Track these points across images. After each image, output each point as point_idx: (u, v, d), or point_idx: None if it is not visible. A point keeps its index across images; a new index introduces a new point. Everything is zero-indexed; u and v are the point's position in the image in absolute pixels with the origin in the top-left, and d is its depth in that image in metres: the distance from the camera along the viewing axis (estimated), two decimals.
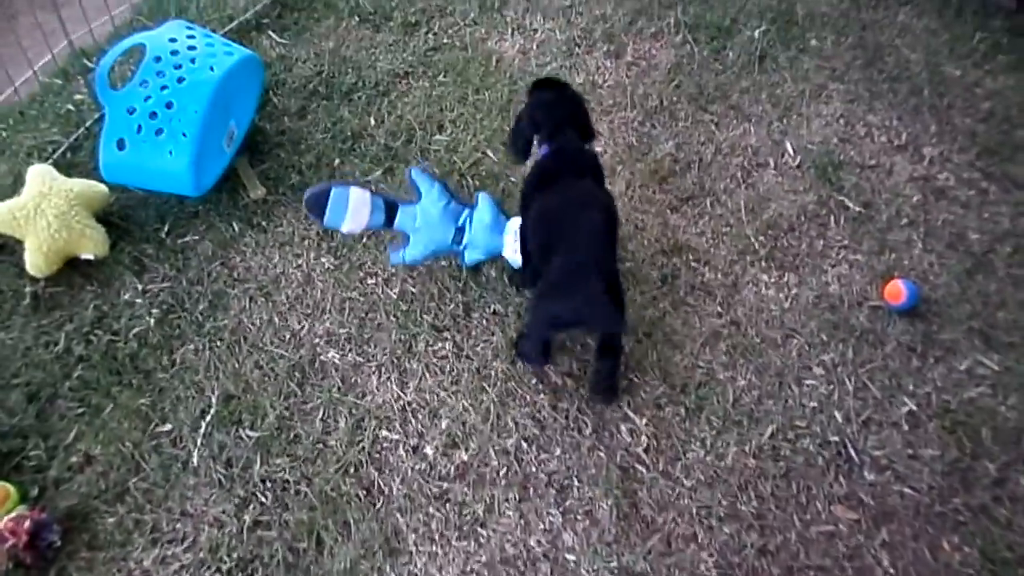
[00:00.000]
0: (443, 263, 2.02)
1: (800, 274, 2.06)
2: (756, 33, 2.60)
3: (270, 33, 2.49)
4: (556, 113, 1.85)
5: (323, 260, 2.02)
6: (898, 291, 1.97)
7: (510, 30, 2.56)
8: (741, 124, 2.37)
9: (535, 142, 1.88)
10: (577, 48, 2.53)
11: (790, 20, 2.66)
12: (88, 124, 2.22)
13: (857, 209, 2.19)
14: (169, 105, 1.92)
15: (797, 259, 2.09)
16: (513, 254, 1.94)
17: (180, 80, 1.94)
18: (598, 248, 1.69)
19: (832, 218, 2.17)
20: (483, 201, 1.96)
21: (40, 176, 1.98)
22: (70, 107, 2.28)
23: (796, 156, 2.30)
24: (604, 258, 1.70)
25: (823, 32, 2.64)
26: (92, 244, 1.95)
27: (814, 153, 2.31)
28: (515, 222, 1.95)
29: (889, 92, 2.49)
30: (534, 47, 2.52)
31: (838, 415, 1.83)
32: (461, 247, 1.95)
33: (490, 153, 2.24)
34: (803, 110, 2.42)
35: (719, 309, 1.98)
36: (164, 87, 1.93)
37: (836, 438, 1.80)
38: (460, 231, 1.94)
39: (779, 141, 2.33)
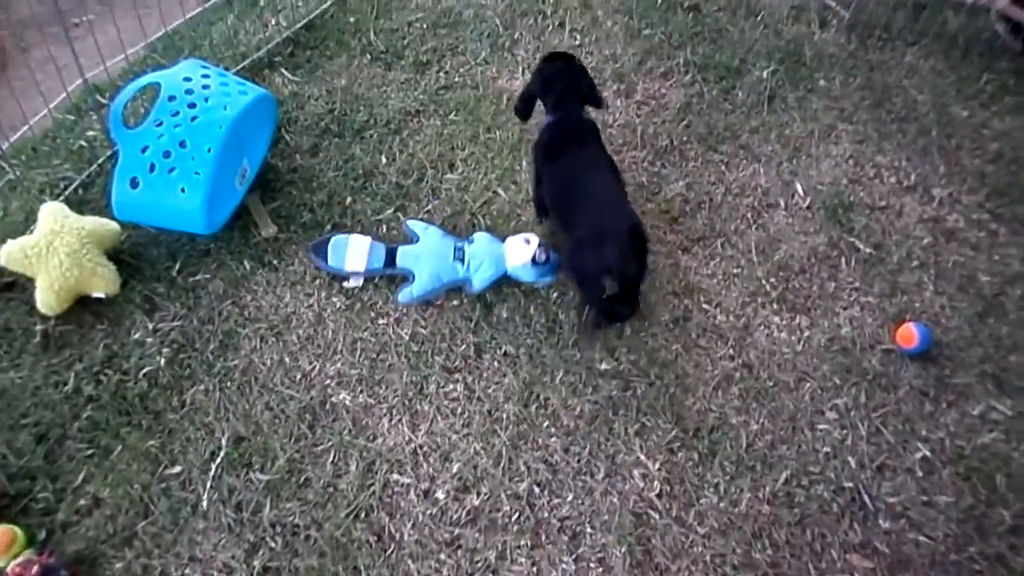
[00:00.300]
0: (454, 302, 2.02)
1: (812, 316, 2.06)
2: (765, 73, 2.62)
3: (283, 71, 2.50)
4: (561, 84, 2.01)
5: (334, 300, 2.01)
6: (910, 335, 1.97)
7: (521, 69, 2.57)
8: (751, 164, 2.37)
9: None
10: None
11: (798, 61, 2.68)
12: (101, 161, 2.22)
13: (868, 251, 2.19)
14: (183, 144, 1.92)
15: (808, 301, 2.08)
16: (517, 262, 1.99)
17: (194, 119, 1.94)
18: (616, 202, 1.88)
19: (843, 260, 2.17)
20: (480, 233, 2.09)
21: (52, 214, 1.98)
22: (83, 143, 2.29)
23: (806, 197, 2.30)
24: (623, 208, 1.87)
25: (831, 73, 2.66)
26: (103, 283, 1.95)
27: (824, 194, 2.31)
28: (514, 238, 2.03)
29: (898, 133, 2.50)
30: None
31: (852, 461, 1.82)
32: (465, 270, 1.99)
33: (501, 192, 2.24)
34: (812, 151, 2.43)
35: (731, 352, 1.98)
36: (178, 126, 1.93)
37: (850, 484, 1.79)
38: (460, 249, 2.02)
39: (789, 182, 2.34)
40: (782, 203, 2.29)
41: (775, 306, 2.07)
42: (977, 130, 2.54)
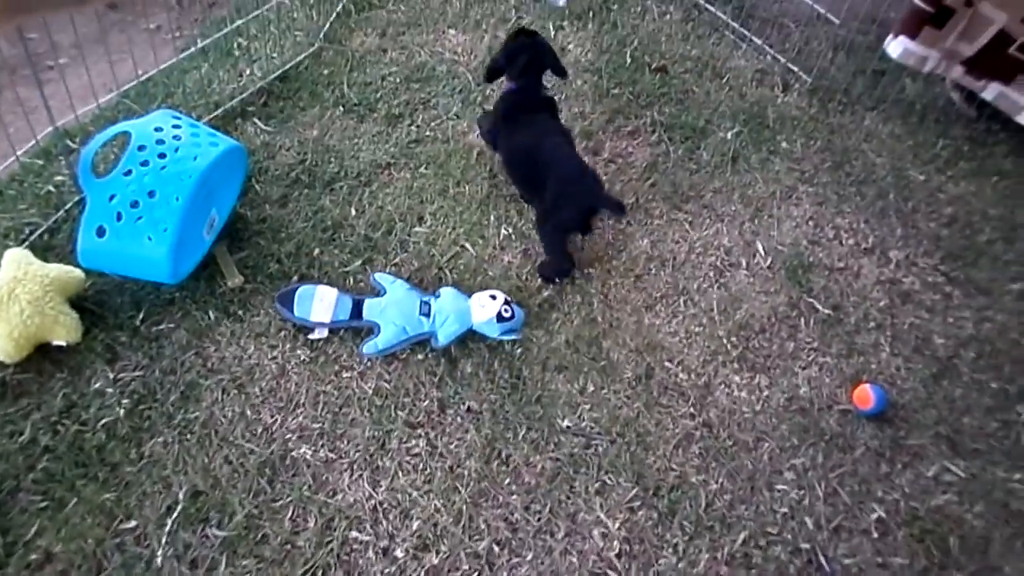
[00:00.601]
0: (419, 356, 2.03)
1: (771, 376, 2.09)
2: (729, 134, 2.69)
3: (255, 120, 2.53)
4: (525, 58, 2.26)
5: (298, 352, 2.01)
6: (866, 396, 2.01)
7: None
8: (714, 224, 2.43)
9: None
10: None
11: (762, 123, 2.76)
12: (68, 207, 2.22)
13: (826, 312, 2.24)
14: (151, 194, 1.93)
15: (768, 360, 2.12)
16: (483, 318, 2.02)
17: (163, 169, 1.95)
18: (574, 160, 2.20)
19: (802, 320, 2.22)
20: (446, 288, 2.13)
21: (16, 261, 1.96)
22: (51, 188, 2.28)
23: (767, 257, 2.36)
24: (582, 164, 2.20)
25: (793, 135, 2.74)
26: (65, 331, 1.93)
27: (784, 254, 2.36)
28: (480, 294, 2.07)
29: (856, 195, 2.58)
30: None
31: (809, 521, 1.84)
32: (431, 324, 2.01)
33: (468, 246, 2.27)
34: (774, 211, 2.49)
35: (692, 410, 2.00)
36: (147, 176, 1.94)
37: (807, 545, 1.81)
38: (426, 304, 2.05)
39: (751, 241, 2.39)
40: (744, 262, 2.34)
41: (736, 365, 2.10)
42: (933, 194, 2.62)
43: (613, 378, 2.04)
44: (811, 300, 2.26)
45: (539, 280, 2.21)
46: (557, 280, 2.23)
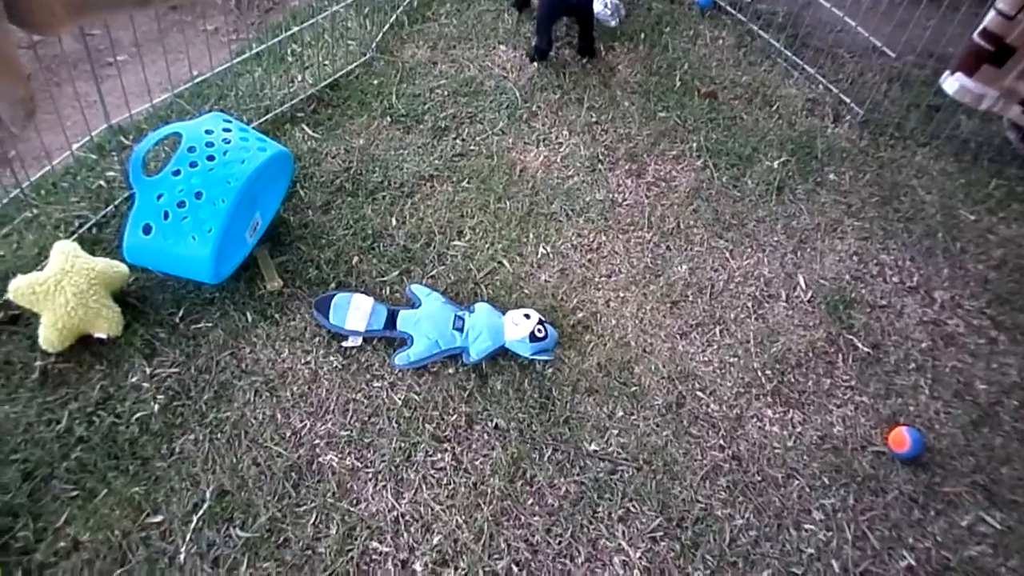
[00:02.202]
0: (450, 370, 2.03)
1: (805, 412, 2.06)
2: (776, 164, 2.66)
3: (304, 126, 2.56)
4: None
5: (331, 359, 2.03)
6: (903, 439, 1.96)
7: (536, 141, 2.63)
8: (755, 253, 2.40)
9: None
10: (600, 164, 2.59)
11: (810, 153, 2.72)
12: (117, 202, 2.27)
13: (866, 350, 2.19)
14: (198, 195, 1.96)
15: (803, 396, 2.09)
16: (516, 336, 2.01)
17: (211, 171, 1.99)
18: None
19: (840, 356, 2.18)
20: (481, 303, 2.13)
21: (64, 252, 2.01)
22: (102, 183, 2.34)
23: (808, 290, 2.32)
24: None
25: (841, 167, 2.70)
26: (107, 324, 1.97)
27: (826, 289, 2.33)
28: (514, 312, 2.07)
29: (904, 232, 2.53)
30: (558, 159, 2.58)
31: (835, 564, 1.80)
32: (464, 339, 2.02)
33: (506, 263, 2.27)
34: (818, 244, 2.45)
35: (722, 442, 1.98)
36: (195, 177, 1.98)
37: None
38: (460, 318, 2.05)
39: (792, 273, 2.36)
40: (783, 294, 2.30)
41: (769, 399, 2.07)
42: (983, 235, 2.56)
43: (643, 404, 2.02)
44: (851, 337, 2.22)
45: (574, 301, 2.21)
46: (534, 59, 2.86)
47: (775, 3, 3.32)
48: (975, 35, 2.54)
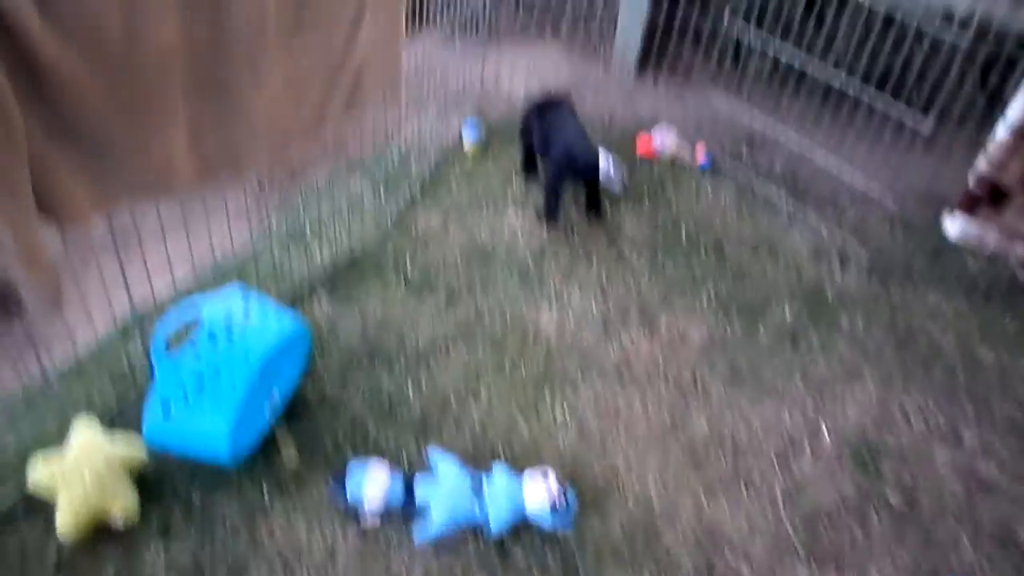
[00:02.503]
0: (470, 545, 1.97)
1: (842, 571, 1.97)
2: (787, 312, 2.68)
3: (322, 298, 2.63)
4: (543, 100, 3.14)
5: (349, 536, 1.99)
6: None
7: (548, 301, 2.67)
8: (775, 405, 2.38)
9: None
10: (612, 321, 2.62)
11: (820, 300, 2.75)
12: (139, 382, 2.31)
13: (898, 501, 2.13)
14: (217, 373, 1.99)
15: (839, 556, 2.00)
16: (536, 506, 1.95)
17: (230, 350, 2.03)
18: (581, 132, 2.98)
19: (873, 509, 2.11)
20: (499, 467, 2.07)
21: (84, 434, 2.03)
22: (125, 363, 2.38)
23: (832, 441, 2.28)
24: (586, 136, 2.98)
25: (854, 313, 2.71)
26: (123, 509, 1.95)
27: (850, 438, 2.28)
28: (532, 471, 2.03)
29: (923, 375, 2.51)
30: (571, 319, 2.62)
31: None
32: (483, 510, 1.96)
33: (523, 426, 2.26)
34: (838, 392, 2.43)
35: None
36: (214, 355, 2.02)
37: None
38: (479, 486, 2.00)
39: (814, 424, 2.33)
40: (808, 447, 2.26)
41: (803, 559, 1.99)
42: (1004, 373, 2.53)
43: (671, 571, 1.94)
44: (881, 488, 2.16)
45: (594, 463, 2.17)
46: (543, 218, 2.99)
47: (773, 157, 3.46)
48: (970, 180, 2.62)
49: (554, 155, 2.92)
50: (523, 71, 3.96)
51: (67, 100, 1.58)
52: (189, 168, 1.91)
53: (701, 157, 3.39)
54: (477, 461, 2.16)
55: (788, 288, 2.79)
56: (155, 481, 2.08)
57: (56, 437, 2.13)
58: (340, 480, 2.04)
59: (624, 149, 3.44)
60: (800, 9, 3.32)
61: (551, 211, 2.96)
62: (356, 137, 3.33)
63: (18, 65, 1.48)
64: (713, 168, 3.38)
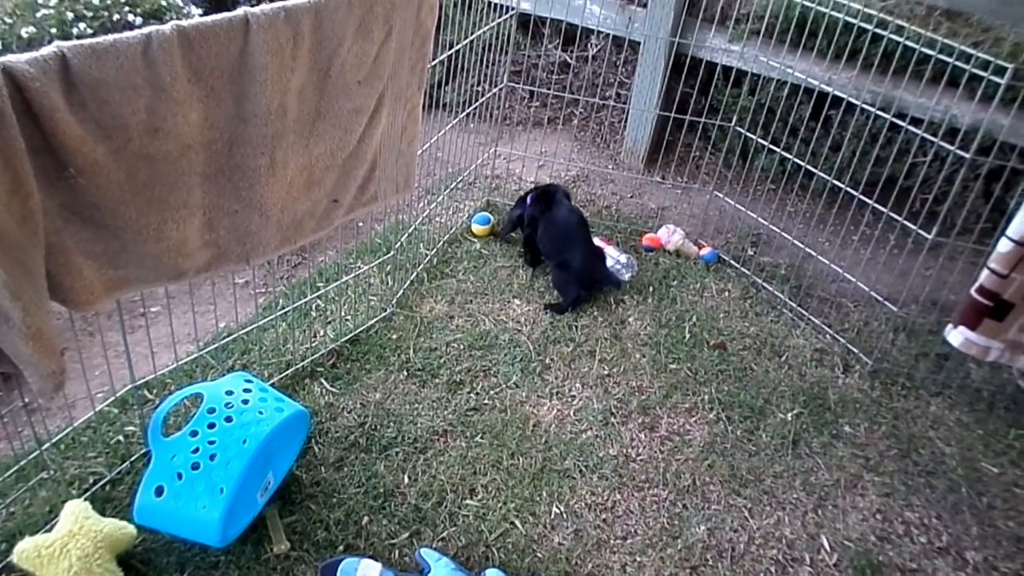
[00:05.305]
0: None
1: None
2: (789, 416, 2.67)
3: (322, 381, 2.63)
4: (539, 191, 3.28)
5: None
6: None
7: (549, 394, 2.67)
8: (775, 512, 2.34)
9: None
10: (613, 418, 2.60)
11: (822, 404, 2.73)
12: (133, 459, 2.29)
13: None
14: (212, 457, 1.98)
15: None
16: None
17: (228, 432, 2.02)
18: (591, 246, 3.16)
19: None
20: (492, 570, 2.05)
21: (74, 513, 2.00)
22: (120, 438, 2.37)
23: (833, 553, 2.24)
24: (597, 251, 3.19)
25: (856, 419, 2.70)
26: None
27: (851, 551, 2.24)
28: None
29: (926, 487, 2.47)
30: (571, 413, 2.61)
31: None
32: None
33: (518, 524, 2.23)
34: (838, 501, 2.40)
35: None
36: (212, 440, 2.01)
37: None
38: None
39: (815, 534, 2.28)
40: (808, 558, 2.22)
41: None
42: (1009, 488, 2.50)
43: None
44: None
45: (589, 566, 2.13)
46: (569, 307, 3.07)
47: (777, 256, 3.50)
48: (973, 291, 2.63)
49: (574, 269, 3.06)
50: (534, 159, 4.04)
51: (87, 185, 1.61)
52: (201, 255, 1.93)
53: (706, 251, 3.43)
54: (469, 562, 2.12)
55: (790, 390, 2.78)
56: (142, 562, 2.05)
57: (46, 518, 2.10)
58: (328, 572, 2.00)
59: (631, 241, 3.49)
60: (806, 114, 3.40)
61: (576, 299, 3.09)
62: (366, 219, 3.40)
63: (41, 148, 1.51)
64: (718, 259, 3.42)
